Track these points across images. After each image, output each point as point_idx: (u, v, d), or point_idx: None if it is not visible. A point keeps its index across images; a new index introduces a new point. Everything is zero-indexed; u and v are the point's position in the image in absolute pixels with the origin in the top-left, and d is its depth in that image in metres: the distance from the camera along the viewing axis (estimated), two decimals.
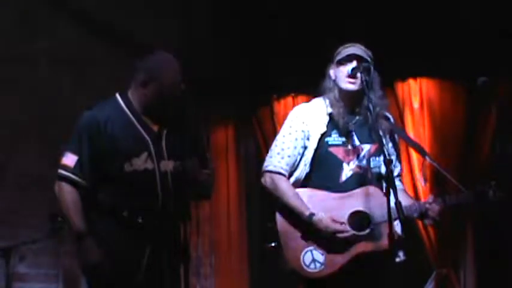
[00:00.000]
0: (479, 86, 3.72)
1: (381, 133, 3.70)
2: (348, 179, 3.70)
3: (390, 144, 3.81)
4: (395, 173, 3.79)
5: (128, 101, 3.55)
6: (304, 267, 3.58)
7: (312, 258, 3.58)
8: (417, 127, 5.88)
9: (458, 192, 3.80)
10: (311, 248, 3.60)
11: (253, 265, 6.80)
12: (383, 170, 3.72)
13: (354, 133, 3.74)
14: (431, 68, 5.85)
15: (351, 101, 3.74)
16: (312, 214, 3.58)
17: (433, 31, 5.72)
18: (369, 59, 3.70)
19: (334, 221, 3.57)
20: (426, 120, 5.87)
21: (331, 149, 3.70)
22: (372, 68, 3.69)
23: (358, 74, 3.63)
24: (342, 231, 3.57)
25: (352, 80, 3.67)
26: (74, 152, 3.48)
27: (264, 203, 6.80)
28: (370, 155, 3.75)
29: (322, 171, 3.70)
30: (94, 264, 3.40)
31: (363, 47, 3.74)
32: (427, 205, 3.69)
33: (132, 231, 3.44)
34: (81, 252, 3.43)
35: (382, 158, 3.70)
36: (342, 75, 3.70)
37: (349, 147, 3.72)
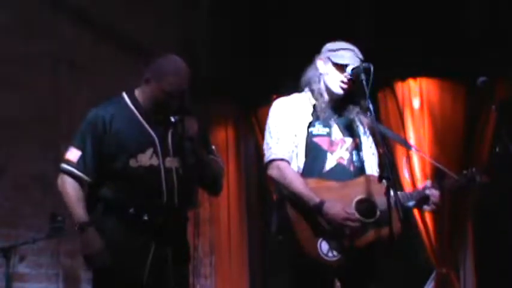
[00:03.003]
0: (479, 86, 3.72)
1: (362, 128, 3.75)
2: (331, 169, 3.70)
3: (370, 139, 3.81)
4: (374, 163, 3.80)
5: (134, 99, 3.58)
6: (323, 255, 3.56)
7: (329, 246, 3.56)
8: (417, 127, 5.89)
9: (451, 178, 3.84)
10: (325, 236, 3.57)
11: (253, 265, 6.81)
12: (367, 165, 3.75)
13: (336, 125, 3.76)
14: (431, 68, 5.85)
15: (335, 99, 3.76)
16: (323, 201, 3.56)
17: (433, 31, 5.73)
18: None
19: (345, 210, 3.55)
20: (426, 120, 5.87)
21: (316, 139, 3.71)
22: (372, 67, 3.69)
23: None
24: (352, 220, 3.55)
25: (344, 86, 3.69)
26: (78, 148, 3.51)
27: (264, 203, 6.82)
28: (352, 148, 3.76)
29: (307, 161, 3.69)
30: (96, 253, 3.40)
31: (357, 51, 3.73)
32: (427, 191, 3.71)
33: (137, 228, 3.45)
34: (83, 243, 3.43)
35: (363, 153, 3.76)
36: (335, 79, 3.71)
37: (333, 138, 3.73)
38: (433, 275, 5.78)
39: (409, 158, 5.76)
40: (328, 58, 3.74)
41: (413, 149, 4.00)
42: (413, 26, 5.78)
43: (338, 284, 3.78)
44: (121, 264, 3.43)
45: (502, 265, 5.53)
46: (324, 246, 3.57)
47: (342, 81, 3.69)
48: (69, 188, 3.49)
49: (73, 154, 3.51)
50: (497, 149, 3.71)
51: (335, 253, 3.57)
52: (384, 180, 3.41)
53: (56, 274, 5.62)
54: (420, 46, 5.77)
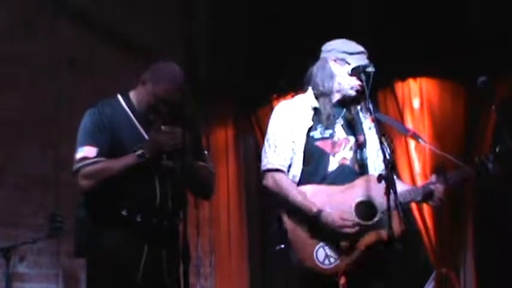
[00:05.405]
0: (479, 86, 3.72)
1: (367, 123, 3.73)
2: (334, 171, 3.68)
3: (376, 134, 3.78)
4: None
5: (128, 101, 3.57)
6: (319, 263, 3.55)
7: (325, 254, 3.56)
8: (417, 127, 5.88)
9: (458, 168, 3.78)
10: (322, 244, 3.57)
11: (253, 265, 6.81)
12: (370, 162, 3.74)
13: (340, 125, 3.74)
14: (431, 68, 5.85)
15: (344, 99, 3.75)
16: (320, 210, 3.56)
17: (433, 31, 5.72)
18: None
19: (342, 217, 3.55)
20: (426, 120, 5.87)
21: (318, 143, 3.69)
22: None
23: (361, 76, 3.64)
24: (350, 226, 3.55)
25: (359, 89, 3.68)
26: (91, 145, 3.44)
27: (264, 203, 6.82)
28: (357, 146, 3.74)
29: (309, 166, 3.68)
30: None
31: (367, 54, 3.72)
32: (432, 186, 3.67)
33: (130, 230, 3.44)
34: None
35: (368, 150, 3.74)
36: (348, 84, 3.70)
37: (335, 139, 3.71)
38: (433, 275, 5.78)
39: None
40: (344, 60, 3.71)
41: (421, 140, 3.93)
42: (413, 26, 5.77)
43: (343, 278, 3.76)
44: (114, 266, 3.43)
45: (502, 265, 5.53)
46: (320, 254, 3.57)
47: (353, 85, 3.68)
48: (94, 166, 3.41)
49: (87, 152, 3.42)
50: (497, 149, 3.70)
51: (332, 260, 3.56)
52: (383, 181, 3.39)
53: (55, 274, 5.63)
54: (420, 46, 5.76)
